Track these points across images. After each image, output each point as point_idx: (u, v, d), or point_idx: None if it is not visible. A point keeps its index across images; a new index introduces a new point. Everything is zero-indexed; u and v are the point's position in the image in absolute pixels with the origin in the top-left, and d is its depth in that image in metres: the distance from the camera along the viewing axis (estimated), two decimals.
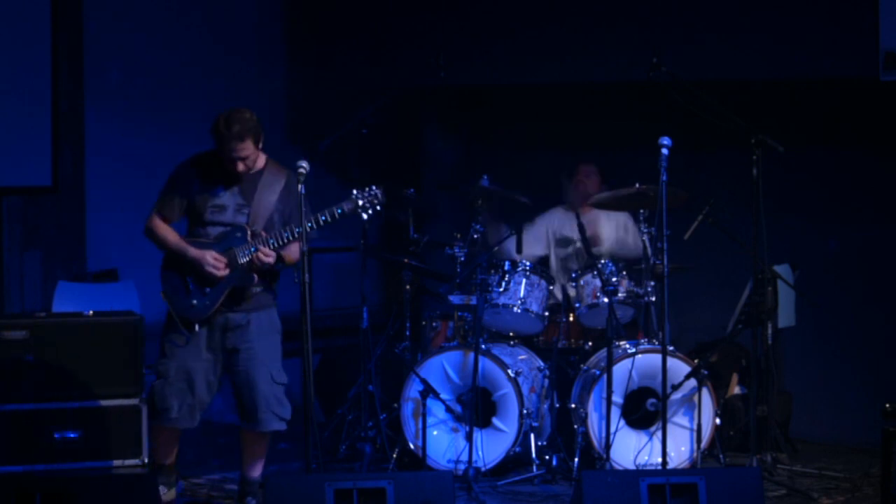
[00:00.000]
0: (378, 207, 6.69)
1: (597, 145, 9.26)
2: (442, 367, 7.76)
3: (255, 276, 6.75)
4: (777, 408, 8.02)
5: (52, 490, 5.88)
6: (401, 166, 10.18)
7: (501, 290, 7.81)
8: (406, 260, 8.04)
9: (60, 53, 8.64)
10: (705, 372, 7.54)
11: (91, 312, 7.67)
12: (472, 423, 7.48)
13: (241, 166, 6.68)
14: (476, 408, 7.52)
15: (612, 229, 8.39)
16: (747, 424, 7.86)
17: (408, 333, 8.08)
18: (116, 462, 7.09)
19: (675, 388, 7.47)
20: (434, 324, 8.16)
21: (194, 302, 6.73)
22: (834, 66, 8.04)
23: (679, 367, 7.55)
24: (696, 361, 7.65)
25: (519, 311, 7.84)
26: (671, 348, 7.51)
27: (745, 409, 8.15)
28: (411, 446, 7.70)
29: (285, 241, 6.68)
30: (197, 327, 6.75)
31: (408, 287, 8.11)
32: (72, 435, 7.53)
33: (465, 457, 7.46)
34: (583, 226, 8.00)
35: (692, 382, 7.51)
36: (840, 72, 8.06)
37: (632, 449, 7.57)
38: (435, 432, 7.70)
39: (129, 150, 9.15)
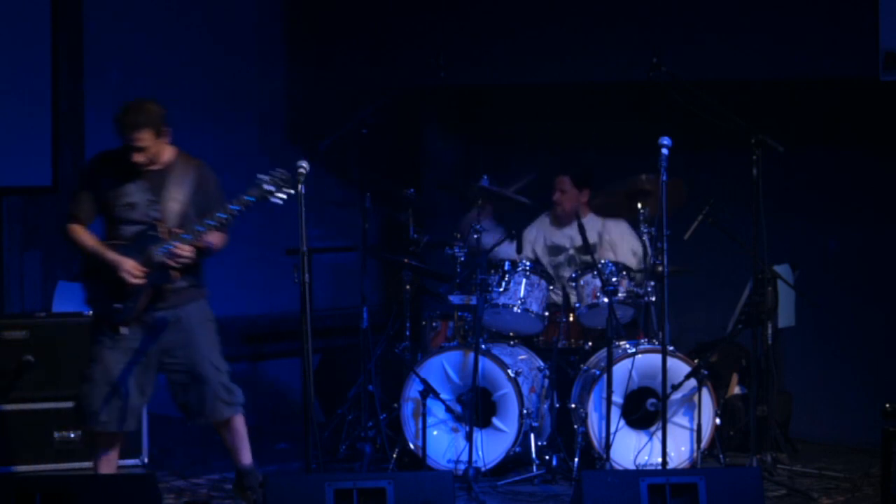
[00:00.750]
0: (290, 190, 6.50)
1: (597, 145, 9.26)
2: (442, 367, 7.76)
3: (175, 272, 6.64)
4: (777, 408, 8.02)
5: (52, 490, 5.88)
6: (401, 166, 10.18)
7: (501, 290, 7.81)
8: (406, 260, 8.04)
9: (60, 53, 8.64)
10: (705, 372, 7.54)
11: (91, 312, 7.67)
12: (472, 423, 7.48)
13: (138, 157, 6.59)
14: (476, 408, 7.52)
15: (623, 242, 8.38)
16: (747, 424, 7.86)
17: (408, 333, 8.08)
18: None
19: (675, 388, 7.47)
20: (434, 324, 8.16)
21: (117, 305, 6.62)
22: (834, 66, 8.04)
23: (679, 367, 7.55)
24: (696, 361, 7.65)
25: (519, 311, 7.84)
26: (671, 348, 7.51)
27: (745, 409, 8.15)
28: (411, 446, 7.70)
29: (200, 234, 6.59)
30: (124, 330, 6.62)
31: (408, 287, 8.10)
32: (72, 435, 7.54)
33: (465, 457, 7.46)
34: (582, 226, 7.99)
35: (692, 382, 7.51)
36: (840, 72, 8.06)
37: (632, 449, 7.57)
38: (435, 432, 7.70)
39: None
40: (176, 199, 6.68)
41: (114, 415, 6.64)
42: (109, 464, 6.78)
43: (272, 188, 6.51)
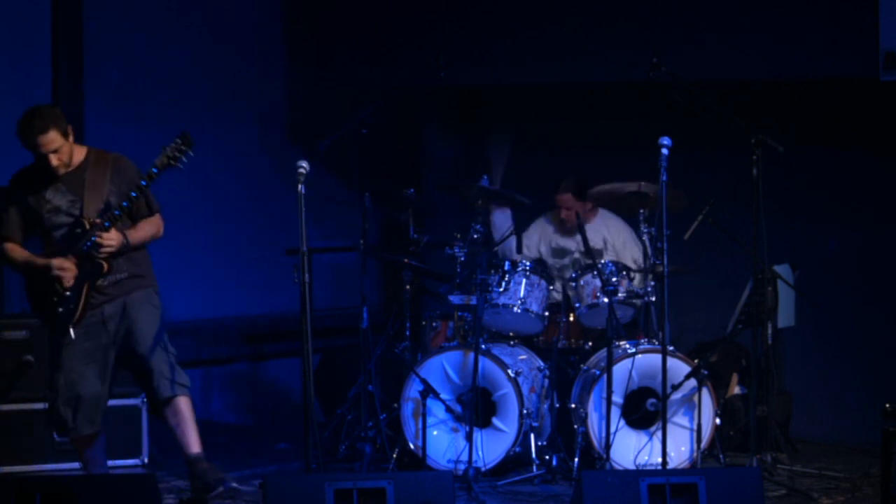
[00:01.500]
0: (188, 151, 6.63)
1: (597, 145, 9.26)
2: (442, 367, 7.76)
3: (106, 264, 6.68)
4: (777, 408, 8.01)
5: (52, 490, 5.88)
6: (401, 166, 10.18)
7: (501, 290, 7.81)
8: (406, 260, 8.04)
9: (60, 53, 8.64)
10: (705, 372, 7.54)
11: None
12: (472, 423, 7.48)
13: (54, 160, 6.66)
14: (476, 408, 7.51)
15: (619, 240, 8.38)
16: (747, 424, 7.86)
17: (408, 333, 8.08)
18: (116, 462, 7.09)
19: (675, 388, 7.47)
20: (434, 324, 8.15)
21: (60, 309, 6.67)
22: (834, 66, 8.04)
23: (679, 367, 7.55)
24: (696, 361, 7.65)
25: (519, 311, 7.84)
26: (671, 348, 7.51)
27: (745, 409, 8.15)
28: (411, 446, 7.70)
29: (118, 218, 6.64)
30: (72, 331, 6.68)
31: (408, 287, 8.10)
32: None
33: (465, 457, 7.46)
34: (583, 226, 7.99)
35: (692, 382, 7.51)
36: (840, 72, 8.06)
37: (632, 449, 7.57)
38: (435, 432, 7.70)
39: (128, 150, 9.12)
40: (94, 192, 6.72)
41: (83, 418, 6.74)
42: (96, 460, 6.85)
43: (174, 154, 6.62)
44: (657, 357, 7.18)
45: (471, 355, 7.58)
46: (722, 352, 8.38)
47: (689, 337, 8.66)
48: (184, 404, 6.79)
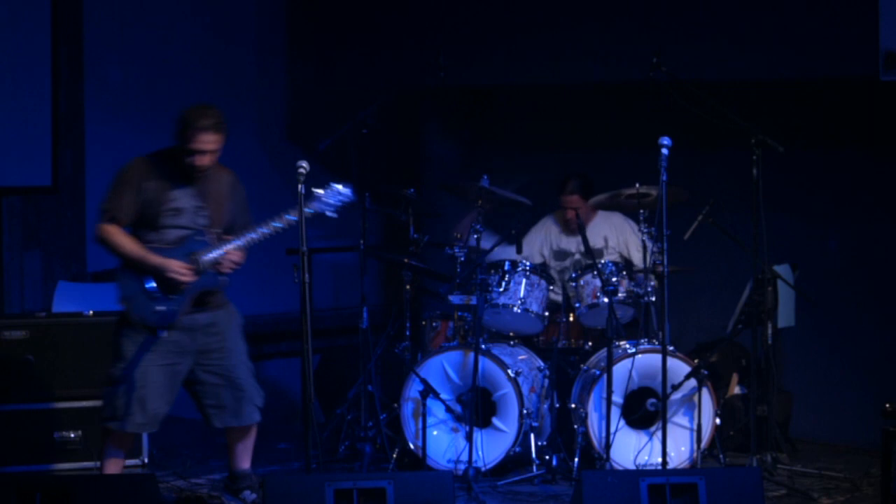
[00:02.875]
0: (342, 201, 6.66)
1: (597, 145, 9.26)
2: (442, 367, 7.76)
3: (224, 277, 6.69)
4: (777, 408, 8.01)
5: (52, 490, 5.88)
6: (401, 166, 10.18)
7: (501, 290, 7.81)
8: (406, 260, 8.04)
9: (60, 53, 8.64)
10: (705, 372, 7.54)
11: (91, 312, 7.67)
12: (472, 423, 7.48)
13: (206, 161, 6.59)
14: (476, 408, 7.51)
15: (614, 240, 8.39)
16: (747, 424, 7.86)
17: (408, 333, 8.08)
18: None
19: (675, 388, 7.47)
20: (434, 324, 8.15)
21: (159, 308, 6.59)
22: (834, 66, 8.04)
23: (679, 367, 7.55)
24: (696, 361, 7.65)
25: (519, 311, 7.84)
26: (671, 348, 7.51)
27: (745, 409, 8.15)
28: (411, 446, 7.70)
29: (252, 240, 6.64)
30: (163, 333, 6.61)
31: (408, 287, 8.10)
32: (72, 435, 7.54)
33: (465, 457, 7.46)
34: (583, 226, 7.99)
35: (692, 382, 7.51)
36: (840, 72, 8.07)
37: (632, 449, 7.57)
38: (435, 432, 7.70)
39: (129, 150, 9.12)
40: (218, 204, 6.71)
41: (147, 417, 6.63)
42: (118, 464, 6.77)
43: (332, 202, 6.61)
44: (657, 357, 7.18)
45: (471, 355, 7.58)
46: (722, 352, 8.38)
47: (689, 337, 8.67)
48: (254, 428, 6.91)
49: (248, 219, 6.72)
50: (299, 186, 6.39)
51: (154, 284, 6.58)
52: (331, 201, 6.63)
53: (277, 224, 6.61)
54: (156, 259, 6.56)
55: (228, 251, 6.60)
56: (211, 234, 6.67)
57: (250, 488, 6.92)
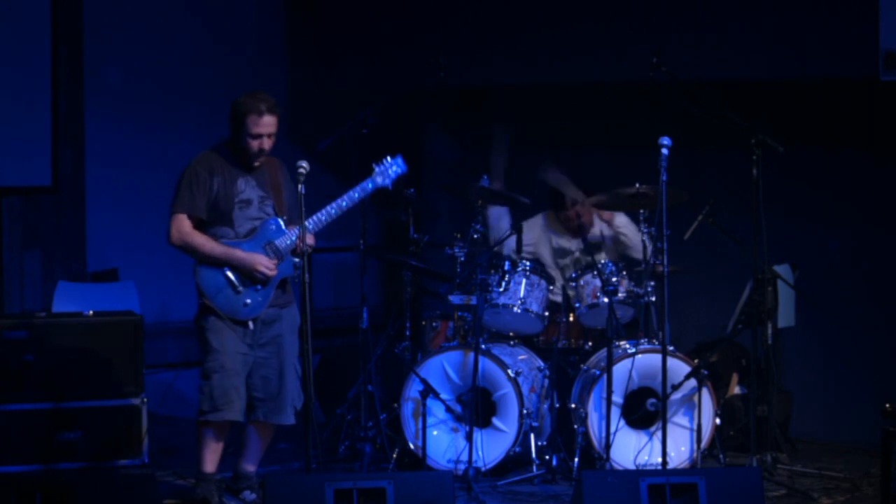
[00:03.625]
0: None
1: (597, 145, 9.26)
2: (442, 367, 7.76)
3: (298, 261, 6.75)
4: (777, 408, 8.01)
5: (52, 490, 5.88)
6: None
7: (501, 290, 7.81)
8: (406, 260, 8.04)
9: (60, 53, 8.64)
10: (705, 372, 7.55)
11: (91, 312, 7.67)
12: (472, 423, 7.48)
13: (266, 144, 6.70)
14: (476, 408, 7.51)
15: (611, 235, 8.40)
16: (747, 424, 7.86)
17: (408, 333, 8.07)
18: (116, 462, 7.09)
19: (675, 388, 7.47)
20: (434, 324, 8.15)
21: (248, 301, 6.72)
22: (834, 66, 8.04)
23: (679, 367, 7.55)
24: (696, 361, 7.65)
25: (519, 311, 7.84)
26: (671, 348, 7.51)
27: (745, 409, 8.15)
28: (411, 446, 7.70)
29: (324, 223, 6.77)
30: (251, 325, 6.75)
31: (408, 287, 8.11)
32: (72, 435, 7.54)
33: (465, 457, 7.46)
34: (583, 227, 7.99)
35: (692, 382, 7.51)
36: (840, 72, 8.06)
37: (632, 449, 7.57)
38: (435, 432, 7.70)
39: (129, 150, 9.15)
40: (278, 191, 6.83)
41: (243, 404, 6.78)
42: (218, 454, 6.87)
43: (390, 174, 6.95)
44: (657, 357, 7.18)
45: (471, 355, 7.58)
46: (722, 352, 8.38)
47: (689, 337, 8.66)
48: (275, 431, 7.01)
49: (300, 201, 6.71)
50: (299, 186, 6.40)
51: (237, 276, 6.69)
52: (389, 173, 6.95)
53: (344, 203, 6.78)
54: (242, 255, 6.69)
55: (300, 236, 6.64)
56: (281, 220, 6.78)
57: (250, 488, 6.96)
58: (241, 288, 6.71)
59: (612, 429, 7.42)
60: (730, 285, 8.28)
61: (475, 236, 7.86)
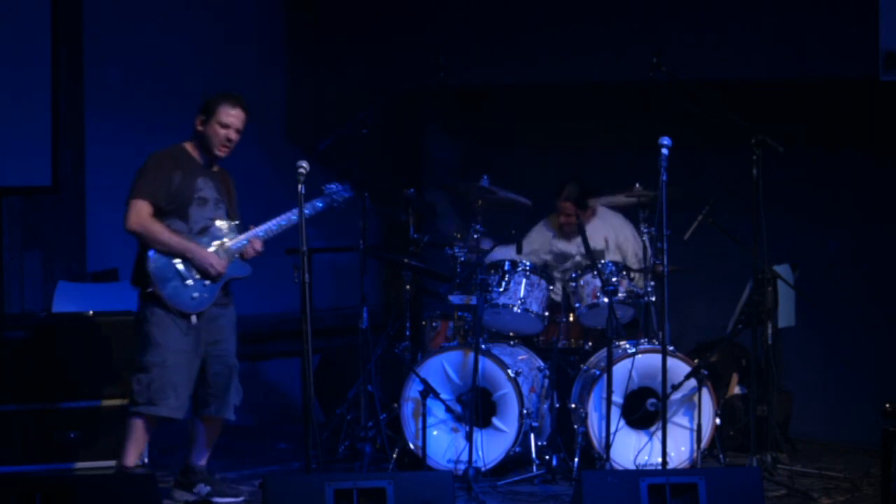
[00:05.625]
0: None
1: (597, 145, 9.26)
2: (442, 367, 7.76)
3: (248, 266, 6.95)
4: (777, 408, 8.01)
5: (52, 490, 5.88)
6: (401, 166, 10.18)
7: (501, 290, 7.81)
8: (406, 260, 8.04)
9: (60, 53, 8.64)
10: (705, 372, 7.54)
11: (91, 312, 7.67)
12: (472, 423, 7.48)
13: (232, 136, 6.85)
14: (476, 408, 7.51)
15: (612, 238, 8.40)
16: (747, 424, 7.86)
17: (408, 333, 8.08)
18: (116, 462, 7.08)
19: (675, 388, 7.47)
20: (434, 324, 8.16)
21: (195, 294, 6.79)
22: (834, 66, 8.04)
23: (679, 367, 7.55)
24: (696, 361, 7.65)
25: (519, 311, 7.84)
26: (671, 348, 7.51)
27: (745, 409, 8.15)
28: (411, 446, 7.70)
29: (274, 233, 6.90)
30: (194, 319, 6.80)
31: (408, 287, 8.11)
32: (72, 435, 7.54)
33: (465, 457, 7.45)
34: (583, 227, 7.99)
35: (692, 382, 7.51)
36: (840, 72, 8.07)
37: (632, 449, 7.57)
38: (435, 432, 7.70)
39: (129, 150, 9.12)
40: (229, 197, 6.98)
41: (180, 402, 6.81)
42: (140, 449, 6.94)
43: (340, 195, 7.04)
44: (657, 357, 7.18)
45: (471, 355, 7.58)
46: (722, 352, 8.38)
47: (689, 337, 8.66)
48: (221, 426, 7.08)
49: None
50: (299, 186, 6.41)
51: (186, 269, 6.76)
52: (336, 197, 7.09)
53: (293, 217, 6.84)
54: (198, 249, 6.77)
55: (251, 240, 6.85)
56: (233, 224, 6.89)
57: (204, 482, 7.03)
58: (190, 281, 6.77)
59: (612, 429, 7.42)
60: (730, 285, 8.28)
61: (475, 236, 7.86)
